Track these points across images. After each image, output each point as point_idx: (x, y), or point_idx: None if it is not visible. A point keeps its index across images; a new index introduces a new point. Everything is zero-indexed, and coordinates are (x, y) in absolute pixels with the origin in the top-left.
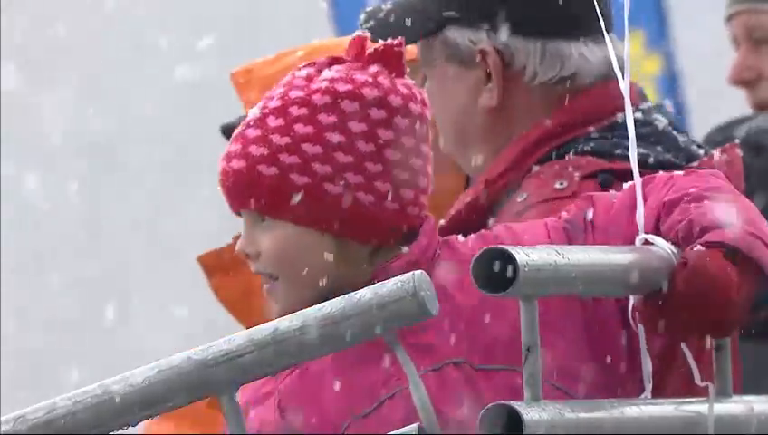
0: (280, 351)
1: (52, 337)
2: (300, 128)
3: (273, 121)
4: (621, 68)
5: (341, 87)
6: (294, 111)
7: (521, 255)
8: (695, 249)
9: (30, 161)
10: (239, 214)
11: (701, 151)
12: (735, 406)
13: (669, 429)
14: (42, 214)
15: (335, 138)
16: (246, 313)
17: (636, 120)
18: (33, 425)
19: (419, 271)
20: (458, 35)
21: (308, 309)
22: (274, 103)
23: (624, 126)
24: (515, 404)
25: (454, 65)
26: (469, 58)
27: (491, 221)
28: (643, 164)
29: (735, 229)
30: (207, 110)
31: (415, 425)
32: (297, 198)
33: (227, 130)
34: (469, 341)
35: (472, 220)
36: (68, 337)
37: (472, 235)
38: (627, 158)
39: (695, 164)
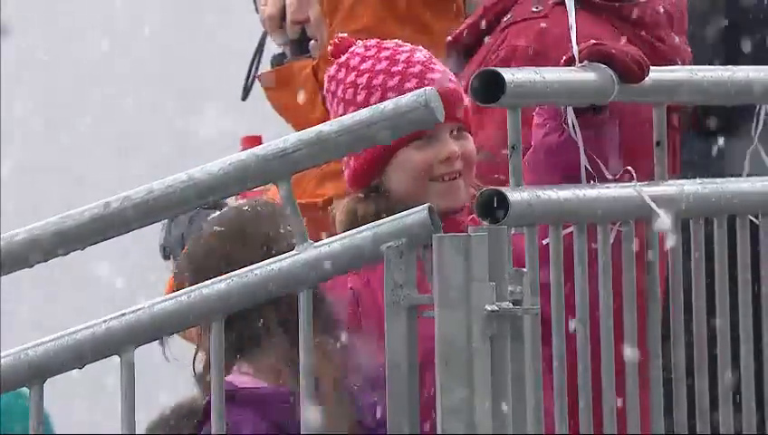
0: (323, 149)
1: None
2: None
3: None
4: None
5: None
6: None
7: (508, 74)
8: None
9: None
10: None
11: None
12: (670, 187)
13: (615, 204)
14: None
15: None
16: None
17: None
18: (136, 203)
19: (431, 87)
20: None
21: (344, 116)
22: None
23: None
24: (503, 188)
25: None
26: None
27: (486, 39)
28: None
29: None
30: None
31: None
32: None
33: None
34: None
35: (471, 42)
36: None
37: None
38: None
39: None
